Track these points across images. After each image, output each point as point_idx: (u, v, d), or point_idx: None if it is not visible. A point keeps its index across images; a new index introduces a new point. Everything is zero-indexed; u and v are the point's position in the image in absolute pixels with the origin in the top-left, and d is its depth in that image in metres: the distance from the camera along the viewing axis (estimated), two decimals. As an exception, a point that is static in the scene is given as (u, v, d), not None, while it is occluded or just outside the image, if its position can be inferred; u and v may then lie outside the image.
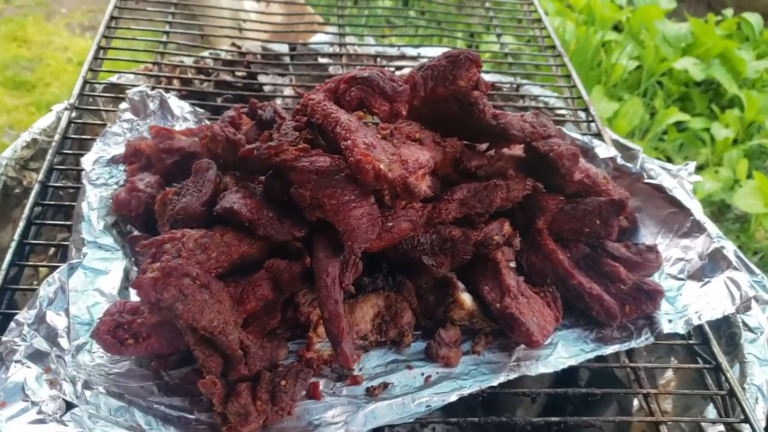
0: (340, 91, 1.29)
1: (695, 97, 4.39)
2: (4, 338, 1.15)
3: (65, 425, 1.04)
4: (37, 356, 1.12)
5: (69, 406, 1.07)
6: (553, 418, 1.27)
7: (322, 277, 1.19)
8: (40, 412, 1.04)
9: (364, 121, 1.43)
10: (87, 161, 1.49)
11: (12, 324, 1.17)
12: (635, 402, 1.78)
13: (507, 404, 2.03)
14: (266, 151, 1.20)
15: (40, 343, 1.15)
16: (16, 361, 1.10)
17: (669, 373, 1.71)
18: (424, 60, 1.43)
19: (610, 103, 4.14)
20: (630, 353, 1.40)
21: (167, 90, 1.79)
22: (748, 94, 4.15)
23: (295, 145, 1.23)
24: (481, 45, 3.83)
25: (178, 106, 1.68)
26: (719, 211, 3.84)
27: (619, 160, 1.66)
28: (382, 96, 1.27)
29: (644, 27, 4.64)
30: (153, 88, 1.70)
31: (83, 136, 1.68)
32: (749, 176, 3.76)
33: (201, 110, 1.69)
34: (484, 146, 1.47)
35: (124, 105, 1.63)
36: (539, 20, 2.33)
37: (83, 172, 1.46)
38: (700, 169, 3.94)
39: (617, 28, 4.89)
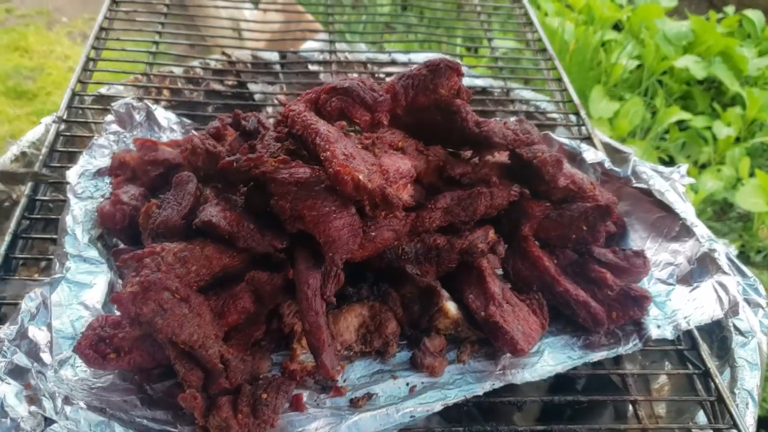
0: (320, 101, 1.28)
1: (697, 96, 4.36)
2: None
3: None
4: (17, 372, 1.13)
5: (48, 422, 1.07)
6: (539, 427, 1.26)
7: (303, 289, 1.19)
8: (18, 428, 1.04)
9: (347, 129, 1.42)
10: (72, 174, 1.49)
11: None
12: (630, 409, 1.77)
13: (504, 412, 2.03)
14: (245, 163, 1.20)
15: (21, 359, 1.15)
16: None
17: (663, 378, 1.70)
18: (415, 65, 1.42)
19: (611, 102, 4.12)
20: (618, 359, 1.39)
21: (157, 101, 1.80)
22: (750, 91, 4.12)
23: (276, 157, 1.23)
24: (480, 50, 3.82)
25: (165, 117, 1.69)
26: (722, 210, 3.82)
27: (607, 165, 1.65)
28: (363, 106, 1.26)
29: (644, 26, 4.62)
30: (140, 100, 1.71)
31: (72, 149, 1.69)
32: (752, 175, 3.73)
33: (188, 121, 1.69)
34: (468, 154, 1.46)
35: (109, 117, 1.63)
36: (531, 24, 2.32)
37: (68, 186, 1.46)
38: (702, 168, 3.92)
39: (617, 27, 4.87)
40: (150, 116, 1.67)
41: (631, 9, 4.82)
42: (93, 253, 1.38)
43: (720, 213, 3.81)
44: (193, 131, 1.69)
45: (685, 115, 4.12)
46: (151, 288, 1.10)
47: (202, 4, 2.59)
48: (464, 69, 2.26)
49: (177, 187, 1.27)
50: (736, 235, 3.62)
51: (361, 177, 1.14)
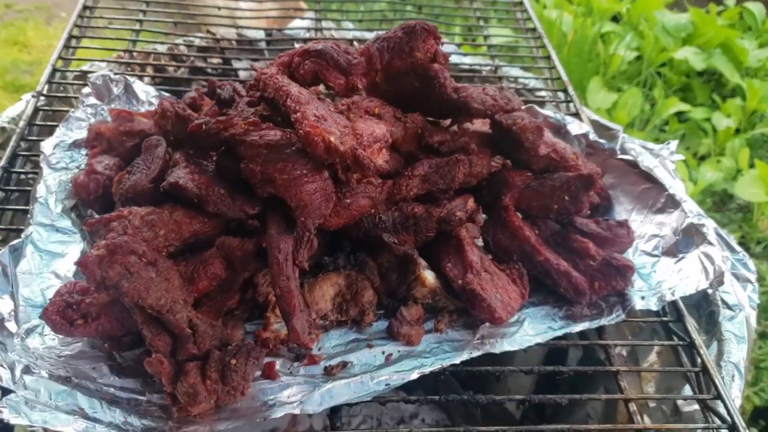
0: (293, 64, 1.26)
1: (696, 87, 4.33)
2: None
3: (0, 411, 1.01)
4: None
5: (5, 392, 1.05)
6: (517, 396, 1.23)
7: (274, 254, 1.16)
8: None
9: (324, 95, 1.40)
10: (47, 145, 1.47)
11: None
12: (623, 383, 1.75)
13: (494, 385, 2.01)
14: (215, 125, 1.18)
15: None
16: None
17: (652, 356, 1.67)
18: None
19: (609, 93, 4.09)
20: (600, 331, 1.36)
21: (140, 78, 1.77)
22: (750, 83, 4.08)
23: (244, 120, 1.21)
24: (478, 38, 3.80)
25: (143, 90, 1.67)
26: (721, 201, 3.78)
27: (592, 136, 1.62)
28: (337, 69, 1.24)
29: (644, 18, 4.58)
30: (116, 73, 1.69)
31: (51, 123, 1.66)
32: (751, 166, 3.69)
33: (167, 94, 1.67)
34: (447, 123, 1.44)
35: (87, 90, 1.61)
36: (520, 3, 2.29)
37: (42, 156, 1.44)
38: (701, 159, 3.88)
39: (615, 19, 4.84)
40: (128, 89, 1.65)
41: (630, 1, 4.79)
42: (66, 223, 1.36)
43: (720, 204, 3.77)
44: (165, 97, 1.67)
45: (684, 107, 4.08)
46: (117, 251, 1.08)
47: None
48: (452, 47, 2.25)
49: (146, 152, 1.25)
50: (736, 225, 3.58)
51: (332, 138, 1.12)
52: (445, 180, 1.33)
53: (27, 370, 1.09)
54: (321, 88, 1.39)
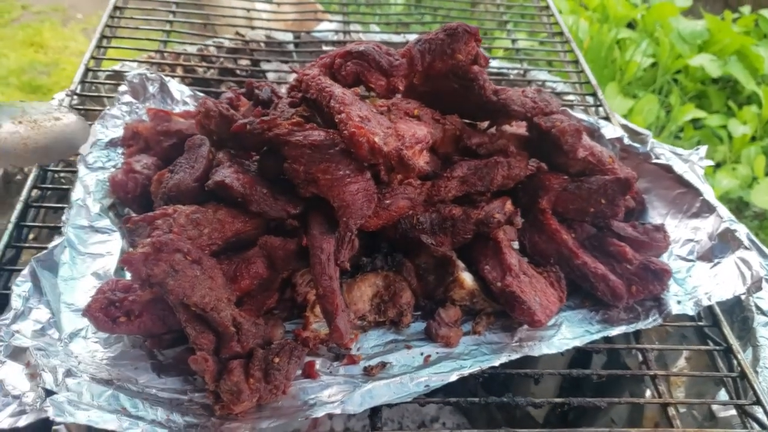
0: (335, 66, 1.27)
1: (712, 95, 4.32)
2: None
3: (45, 412, 1.01)
4: (17, 353, 1.10)
5: (48, 393, 1.05)
6: (557, 399, 1.23)
7: (317, 254, 1.16)
8: (20, 404, 1.02)
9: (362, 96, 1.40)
10: (84, 145, 1.48)
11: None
12: (648, 392, 1.74)
13: (518, 388, 2.00)
14: (259, 125, 1.18)
15: (21, 341, 1.11)
16: None
17: (681, 362, 1.66)
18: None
19: (626, 100, 4.09)
20: (638, 335, 1.36)
21: (170, 78, 1.78)
22: (766, 90, 4.08)
23: (288, 121, 1.21)
24: (497, 41, 3.81)
25: (178, 89, 1.67)
26: (737, 208, 3.77)
27: (626, 141, 1.62)
28: (379, 70, 1.24)
29: (659, 24, 4.59)
30: (152, 72, 1.69)
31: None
32: (767, 173, 3.69)
33: (201, 94, 1.68)
34: (485, 125, 1.44)
35: (123, 88, 1.62)
36: (547, 8, 2.30)
37: (79, 156, 1.45)
38: (717, 166, 3.87)
39: (631, 26, 4.84)
40: (163, 88, 1.66)
41: (645, 8, 4.79)
42: (105, 222, 1.37)
43: (735, 212, 3.76)
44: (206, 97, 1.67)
45: (700, 114, 4.08)
46: (162, 249, 1.08)
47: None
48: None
49: (190, 151, 1.25)
50: (753, 233, 3.57)
51: (376, 139, 1.12)
52: (484, 182, 1.34)
53: (69, 373, 1.09)
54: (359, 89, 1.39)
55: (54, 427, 1.10)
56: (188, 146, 1.26)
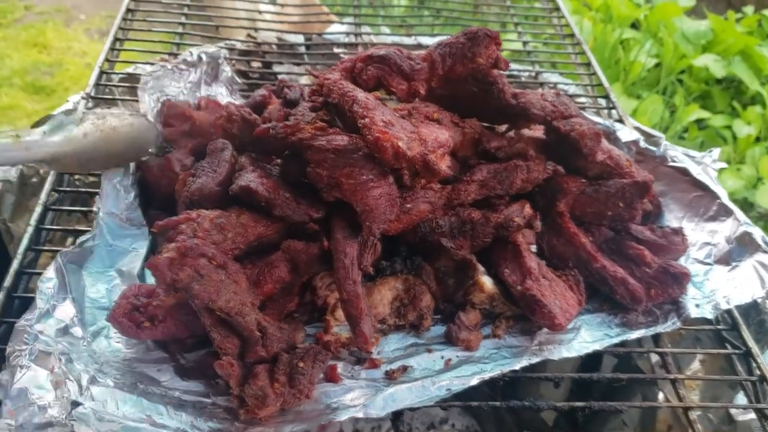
0: (356, 70, 1.27)
1: (716, 95, 4.33)
2: (8, 348, 1.11)
3: (70, 426, 1.01)
4: (41, 358, 1.09)
5: (74, 405, 1.04)
6: (578, 403, 1.23)
7: (341, 258, 1.17)
8: (46, 415, 1.02)
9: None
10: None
11: (16, 327, 1.13)
12: (660, 395, 1.74)
13: (527, 391, 2.00)
14: (282, 129, 1.18)
15: (45, 344, 1.10)
16: (22, 367, 1.06)
17: (696, 365, 1.67)
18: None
19: (629, 100, 4.10)
20: (656, 339, 1.36)
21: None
22: (770, 91, 4.09)
23: (310, 125, 1.22)
24: (504, 44, 3.81)
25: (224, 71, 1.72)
26: (742, 209, 3.74)
27: (642, 144, 1.62)
28: (400, 74, 1.25)
29: (663, 24, 4.59)
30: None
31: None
32: (772, 174, 3.70)
33: (238, 80, 1.69)
34: (502, 128, 1.44)
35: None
36: (557, 9, 2.30)
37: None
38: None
39: (634, 26, 4.85)
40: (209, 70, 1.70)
41: (648, 8, 4.80)
42: (137, 213, 1.36)
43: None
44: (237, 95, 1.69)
45: (704, 114, 4.09)
46: (188, 253, 1.09)
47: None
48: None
49: (212, 155, 1.26)
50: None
51: (400, 144, 1.12)
52: (503, 186, 1.34)
53: (93, 380, 1.08)
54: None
55: None
56: (210, 150, 1.26)
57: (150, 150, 1.49)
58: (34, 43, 4.79)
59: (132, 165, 1.43)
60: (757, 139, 4.01)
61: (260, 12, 2.18)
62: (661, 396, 1.74)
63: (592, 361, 1.91)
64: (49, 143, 1.31)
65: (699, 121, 4.10)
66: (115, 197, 1.37)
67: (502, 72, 1.32)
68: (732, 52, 4.41)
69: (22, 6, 5.14)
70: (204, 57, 1.68)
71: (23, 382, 1.05)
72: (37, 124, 1.41)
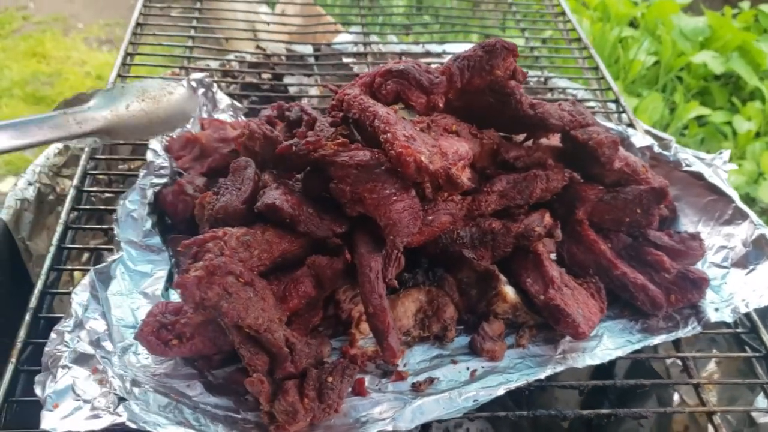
0: (375, 84, 1.27)
1: (715, 91, 4.35)
2: (46, 349, 1.14)
3: (120, 416, 1.03)
4: (82, 359, 1.11)
5: (121, 399, 1.06)
6: (603, 411, 1.24)
7: (365, 272, 1.17)
8: (93, 408, 1.03)
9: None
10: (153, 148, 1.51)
11: (52, 334, 1.16)
12: (675, 396, 1.75)
13: (542, 398, 2.02)
14: (305, 146, 1.19)
15: (84, 347, 1.13)
16: (62, 367, 1.09)
17: (711, 366, 1.68)
18: (450, 55, 1.41)
19: (630, 99, 4.11)
20: (677, 343, 1.37)
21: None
22: (769, 86, 4.11)
23: (331, 141, 1.22)
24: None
25: (221, 98, 1.70)
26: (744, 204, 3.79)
27: (656, 149, 1.64)
28: (419, 88, 1.25)
29: (660, 22, 4.61)
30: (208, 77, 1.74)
31: (115, 142, 1.68)
32: (774, 169, 3.72)
33: (239, 105, 1.69)
34: (520, 138, 1.45)
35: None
36: (563, 14, 2.31)
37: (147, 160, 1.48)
38: (722, 163, 3.89)
39: (632, 24, 4.86)
40: (207, 95, 1.68)
41: (646, 6, 4.81)
42: (156, 239, 1.38)
43: (742, 208, 3.78)
44: (242, 117, 1.69)
45: (704, 111, 4.10)
46: (216, 272, 1.09)
47: (219, 7, 2.60)
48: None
49: (235, 173, 1.26)
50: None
51: (423, 158, 1.13)
52: (523, 195, 1.35)
53: (134, 382, 1.11)
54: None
55: None
56: (233, 168, 1.27)
57: (193, 115, 1.56)
58: (33, 53, 4.78)
59: (149, 194, 1.45)
60: (757, 135, 4.02)
61: (268, 24, 2.18)
62: (676, 397, 1.75)
63: (605, 366, 1.92)
64: (97, 117, 1.39)
65: (699, 118, 4.12)
66: (133, 225, 1.39)
67: (520, 83, 1.33)
68: (730, 48, 4.43)
69: (20, 16, 5.13)
70: (194, 84, 1.68)
71: (66, 380, 1.07)
72: (74, 101, 1.43)
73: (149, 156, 1.53)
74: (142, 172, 1.49)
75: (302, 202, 1.20)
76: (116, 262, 1.30)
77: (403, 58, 2.13)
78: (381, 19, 3.88)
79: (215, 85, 1.73)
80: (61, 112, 1.35)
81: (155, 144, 1.53)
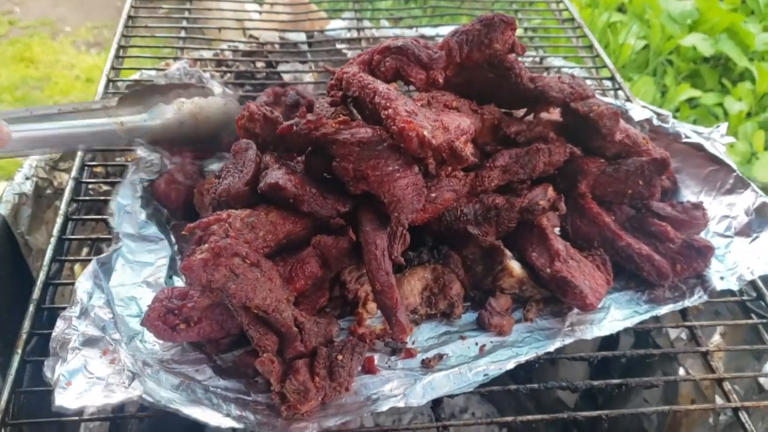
0: (374, 62, 1.27)
1: (705, 73, 4.36)
2: (54, 334, 1.13)
3: (135, 390, 1.02)
4: (91, 342, 1.10)
5: (135, 375, 1.06)
6: (614, 381, 1.24)
7: (371, 250, 1.17)
8: (107, 384, 1.03)
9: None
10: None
11: (59, 321, 1.15)
12: (681, 370, 1.76)
13: (546, 373, 2.02)
14: (306, 125, 1.18)
15: (93, 331, 1.12)
16: (72, 349, 1.08)
17: (716, 337, 1.69)
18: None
19: (621, 83, 4.11)
20: (684, 313, 1.37)
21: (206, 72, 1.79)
22: (759, 66, 4.11)
23: (333, 119, 1.21)
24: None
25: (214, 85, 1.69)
26: (739, 184, 3.79)
27: (655, 122, 1.64)
28: (418, 64, 1.25)
29: (648, 6, 4.61)
30: (191, 67, 1.72)
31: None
32: (766, 148, 3.73)
33: (230, 92, 1.68)
34: (520, 113, 1.45)
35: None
36: (555, -7, 2.31)
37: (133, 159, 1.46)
38: (715, 143, 3.90)
39: (621, 9, 4.87)
40: (200, 82, 1.66)
41: (633, -10, 4.82)
42: (152, 229, 1.37)
43: (737, 187, 3.79)
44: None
45: (695, 93, 4.11)
46: (222, 254, 1.08)
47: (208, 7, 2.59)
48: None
49: (236, 155, 1.25)
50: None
51: (425, 133, 1.12)
52: (526, 170, 1.35)
53: (145, 363, 1.12)
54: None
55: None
56: (234, 151, 1.26)
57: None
58: (21, 58, 4.75)
59: (139, 189, 1.45)
60: (749, 115, 4.04)
61: (259, 12, 2.17)
62: (681, 371, 1.75)
63: (609, 340, 1.93)
64: (147, 127, 1.43)
65: (690, 100, 4.13)
66: (128, 219, 1.39)
67: (519, 57, 1.33)
68: (718, 30, 4.44)
69: (6, 21, 5.09)
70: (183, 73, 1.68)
71: (78, 361, 1.07)
72: (127, 95, 1.47)
73: (139, 152, 1.52)
74: (131, 168, 1.49)
75: (305, 182, 1.19)
76: (116, 253, 1.29)
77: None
78: (370, 14, 3.88)
79: (200, 71, 1.72)
80: (118, 120, 1.39)
81: None
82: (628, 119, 1.64)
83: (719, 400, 1.54)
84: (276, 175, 1.17)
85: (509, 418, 1.20)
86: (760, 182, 3.61)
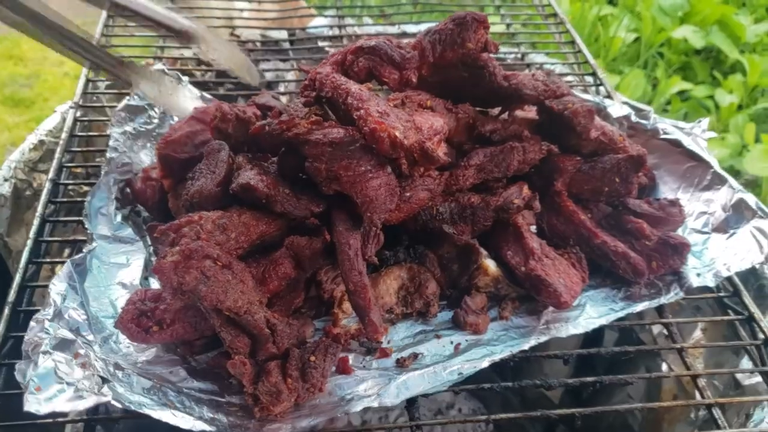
0: (347, 62, 1.27)
1: (696, 66, 4.35)
2: (26, 337, 1.13)
3: (104, 396, 1.02)
4: (63, 345, 1.10)
5: (105, 380, 1.05)
6: (588, 378, 1.24)
7: (344, 250, 1.17)
8: (77, 390, 1.02)
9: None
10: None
11: (32, 323, 1.14)
12: (663, 366, 1.76)
13: (532, 371, 2.02)
14: (278, 126, 1.18)
15: (64, 334, 1.12)
16: (44, 352, 1.07)
17: (697, 333, 1.69)
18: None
19: (611, 76, 4.11)
20: (660, 310, 1.38)
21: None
22: (750, 58, 4.11)
23: (306, 120, 1.21)
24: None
25: (189, 89, 1.68)
26: (729, 177, 3.79)
27: (633, 118, 1.64)
28: (391, 64, 1.25)
29: (639, -2, 4.61)
30: (170, 69, 1.71)
31: (90, 134, 1.67)
32: (757, 140, 3.73)
33: (208, 96, 1.68)
34: (495, 112, 1.45)
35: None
36: (538, -11, 2.31)
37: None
38: (706, 136, 3.90)
39: (611, 2, 4.86)
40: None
41: (624, -17, 4.81)
42: (127, 231, 1.37)
43: (727, 180, 3.79)
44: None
45: (686, 85, 4.11)
46: (192, 256, 1.08)
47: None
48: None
49: (209, 156, 1.25)
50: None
51: (397, 134, 1.12)
52: (500, 168, 1.35)
53: (117, 366, 1.11)
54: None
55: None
56: (207, 152, 1.26)
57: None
58: (9, 55, 4.73)
59: (114, 190, 1.45)
60: (740, 107, 4.04)
61: (241, 10, 2.17)
62: (664, 367, 1.76)
63: (594, 337, 1.93)
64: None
65: (681, 93, 4.13)
66: (103, 221, 1.39)
67: (492, 55, 1.32)
68: (709, 22, 4.44)
69: (-6, 19, 5.07)
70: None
71: (48, 365, 1.06)
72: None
73: (109, 153, 1.52)
74: (103, 169, 1.49)
75: (278, 182, 1.19)
76: (90, 255, 1.29)
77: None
78: (358, 10, 3.87)
79: (179, 75, 1.72)
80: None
81: (114, 140, 1.52)
82: (606, 116, 1.64)
83: (699, 396, 1.55)
84: (248, 175, 1.17)
85: (482, 417, 1.21)
86: (751, 175, 3.63)
